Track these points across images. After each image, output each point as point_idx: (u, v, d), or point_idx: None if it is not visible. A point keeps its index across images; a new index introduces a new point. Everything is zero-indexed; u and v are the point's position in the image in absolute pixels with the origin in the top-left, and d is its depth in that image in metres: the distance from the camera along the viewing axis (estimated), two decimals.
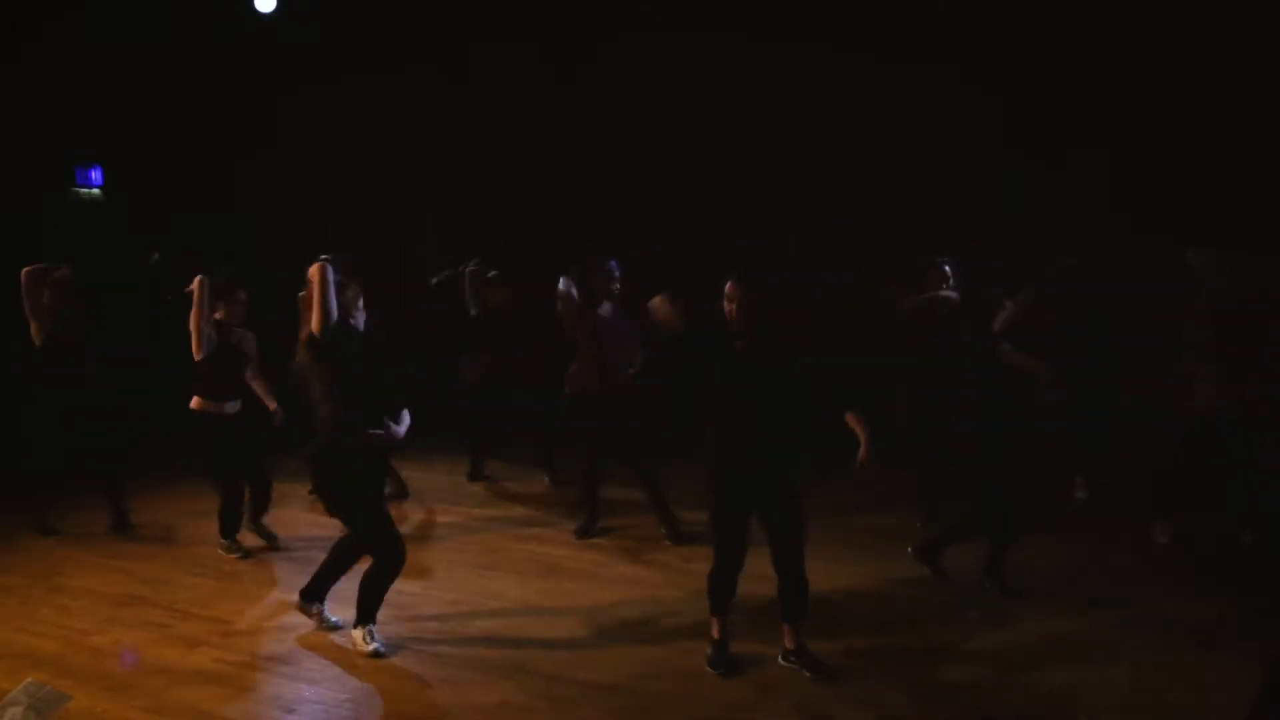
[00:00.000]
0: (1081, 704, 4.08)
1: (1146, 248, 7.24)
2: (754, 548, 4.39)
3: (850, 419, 4.44)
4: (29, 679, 3.89)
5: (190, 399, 5.92)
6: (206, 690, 4.32)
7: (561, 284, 6.23)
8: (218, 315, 5.93)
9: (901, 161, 8.33)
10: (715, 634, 4.49)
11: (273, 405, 6.17)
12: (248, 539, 6.13)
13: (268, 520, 6.25)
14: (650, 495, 6.26)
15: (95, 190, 9.75)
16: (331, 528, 5.34)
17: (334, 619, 4.90)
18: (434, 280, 7.91)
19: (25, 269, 6.16)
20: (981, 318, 5.29)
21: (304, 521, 6.59)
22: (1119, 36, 7.64)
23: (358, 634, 4.65)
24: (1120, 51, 7.67)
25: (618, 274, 6.25)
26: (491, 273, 7.57)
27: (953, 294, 6.19)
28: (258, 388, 6.17)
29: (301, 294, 4.68)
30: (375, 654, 4.58)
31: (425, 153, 10.46)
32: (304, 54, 9.56)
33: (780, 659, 4.43)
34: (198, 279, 5.78)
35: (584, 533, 6.35)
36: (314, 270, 4.58)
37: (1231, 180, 7.30)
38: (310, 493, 5.94)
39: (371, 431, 4.58)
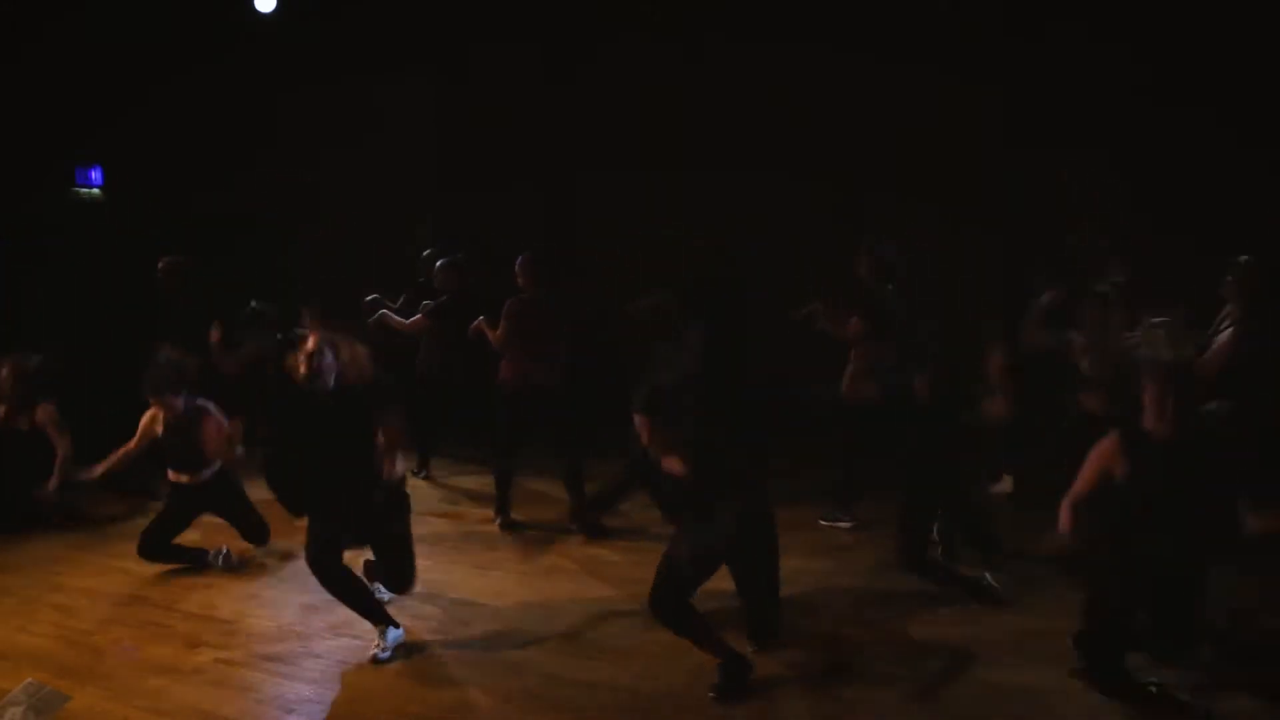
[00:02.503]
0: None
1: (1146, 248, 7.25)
2: None
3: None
4: (29, 679, 3.90)
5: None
6: (206, 690, 4.32)
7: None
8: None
9: (901, 161, 8.34)
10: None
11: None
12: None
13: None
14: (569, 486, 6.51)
15: (95, 190, 9.75)
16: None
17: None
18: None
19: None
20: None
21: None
22: (1119, 36, 7.64)
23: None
24: (1120, 51, 7.67)
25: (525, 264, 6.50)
26: (439, 260, 7.62)
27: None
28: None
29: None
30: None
31: (425, 153, 10.47)
32: (304, 54, 9.56)
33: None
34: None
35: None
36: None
37: (1232, 180, 7.30)
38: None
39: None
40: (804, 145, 8.74)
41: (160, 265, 7.57)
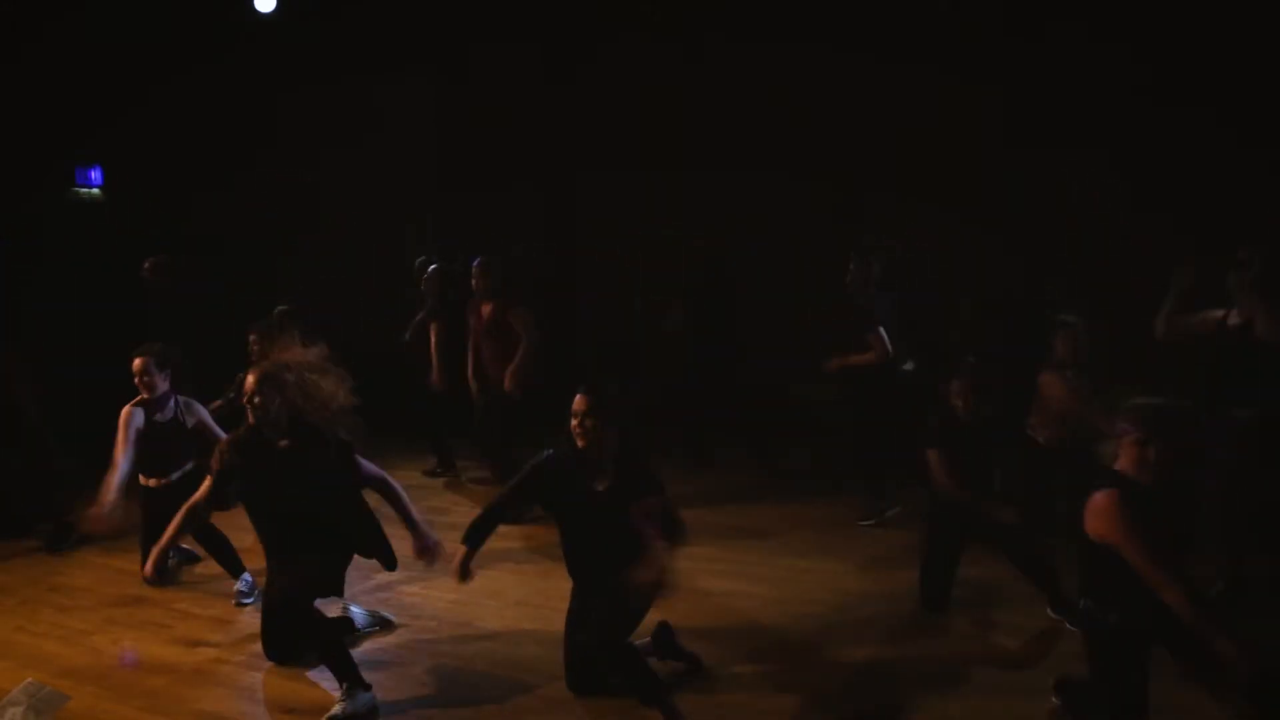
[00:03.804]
0: None
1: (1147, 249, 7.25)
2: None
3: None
4: (29, 679, 3.90)
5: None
6: (206, 690, 4.32)
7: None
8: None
9: (901, 161, 8.34)
10: None
11: None
12: None
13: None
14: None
15: (95, 190, 9.75)
16: None
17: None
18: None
19: None
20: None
21: None
22: (1119, 36, 7.64)
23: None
24: (1120, 51, 7.67)
25: (479, 270, 7.02)
26: (431, 266, 7.75)
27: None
28: None
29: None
30: None
31: (425, 153, 10.47)
32: (304, 54, 9.56)
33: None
34: None
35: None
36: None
37: (1232, 180, 7.30)
38: None
39: None
40: (804, 145, 8.74)
41: (147, 264, 7.60)
